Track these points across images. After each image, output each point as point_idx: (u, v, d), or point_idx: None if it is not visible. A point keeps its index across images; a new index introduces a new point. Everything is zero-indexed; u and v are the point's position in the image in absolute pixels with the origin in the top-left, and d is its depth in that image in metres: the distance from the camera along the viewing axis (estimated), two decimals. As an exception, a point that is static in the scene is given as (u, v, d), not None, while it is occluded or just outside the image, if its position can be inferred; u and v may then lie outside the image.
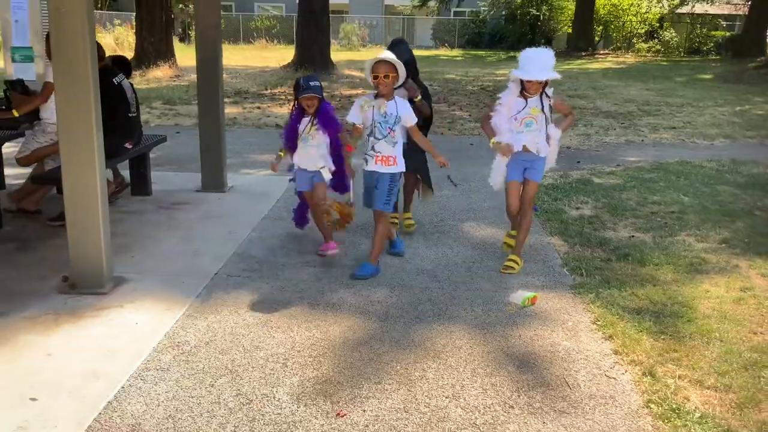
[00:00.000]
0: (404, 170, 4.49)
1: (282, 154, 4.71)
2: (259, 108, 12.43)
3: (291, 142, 4.67)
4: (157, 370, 3.19)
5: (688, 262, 4.80)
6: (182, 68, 18.22)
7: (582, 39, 29.43)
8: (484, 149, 9.08)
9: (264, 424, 2.79)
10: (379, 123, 4.30)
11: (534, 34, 32.65)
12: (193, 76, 17.07)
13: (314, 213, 4.81)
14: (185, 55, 20.71)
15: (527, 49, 4.40)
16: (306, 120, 4.55)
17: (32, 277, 4.28)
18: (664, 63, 26.00)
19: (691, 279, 4.50)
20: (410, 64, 4.72)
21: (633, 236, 5.37)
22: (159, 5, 17.84)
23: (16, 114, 5.17)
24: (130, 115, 5.52)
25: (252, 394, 3.01)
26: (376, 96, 4.33)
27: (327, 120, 4.56)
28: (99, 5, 28.84)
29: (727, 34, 32.66)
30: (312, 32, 18.82)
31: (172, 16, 22.58)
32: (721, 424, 2.88)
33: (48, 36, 5.54)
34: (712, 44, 32.30)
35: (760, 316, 3.96)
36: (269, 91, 15.00)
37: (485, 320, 3.85)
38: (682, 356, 3.45)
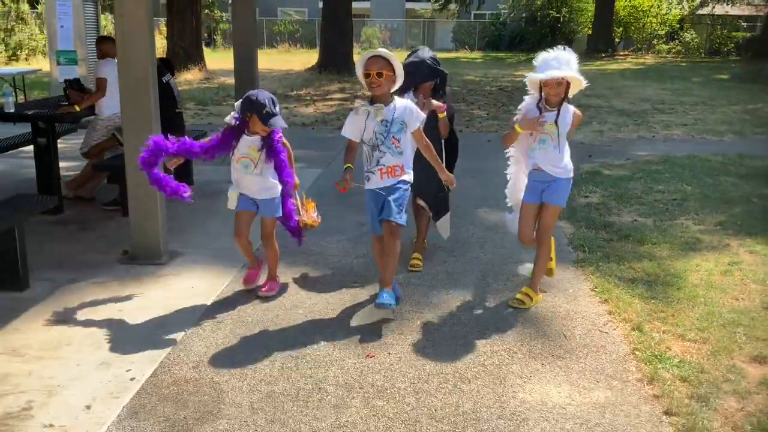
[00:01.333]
0: (411, 182, 3.78)
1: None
2: (286, 108, 13.02)
3: (212, 151, 3.94)
4: (214, 321, 3.75)
5: (684, 241, 5.25)
6: (210, 71, 18.92)
7: (601, 40, 29.68)
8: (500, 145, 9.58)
9: (305, 361, 3.34)
10: (380, 134, 3.62)
11: (554, 35, 32.91)
12: (222, 78, 17.78)
13: (265, 248, 4.22)
14: (211, 58, 21.45)
15: (543, 52, 3.89)
16: (251, 141, 3.90)
17: (95, 252, 4.87)
18: (683, 64, 26.20)
19: (684, 255, 4.96)
20: (438, 73, 4.37)
21: (635, 220, 5.83)
22: (190, 11, 18.55)
23: (77, 109, 5.78)
24: (176, 110, 6.11)
25: (294, 340, 3.56)
26: (372, 101, 3.68)
27: (276, 149, 3.97)
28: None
29: (748, 35, 32.69)
30: (335, 36, 19.44)
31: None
32: (696, 367, 3.36)
33: (99, 38, 6.18)
34: (732, 45, 32.35)
35: (743, 285, 4.42)
36: (294, 92, 15.58)
37: (495, 287, 4.35)
38: (668, 316, 3.93)
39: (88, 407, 2.92)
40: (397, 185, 3.67)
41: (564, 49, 3.83)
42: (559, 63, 3.72)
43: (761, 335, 3.71)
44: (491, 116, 12.18)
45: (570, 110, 3.88)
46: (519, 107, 4.02)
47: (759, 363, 3.43)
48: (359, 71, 3.65)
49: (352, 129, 3.70)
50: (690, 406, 3.01)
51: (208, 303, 4.01)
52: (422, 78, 4.32)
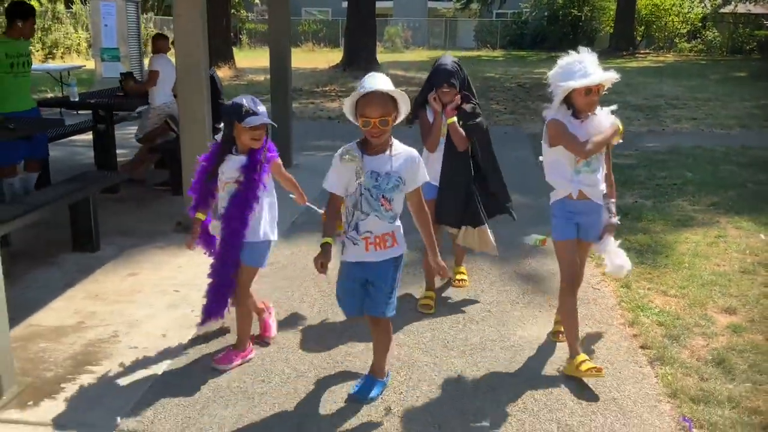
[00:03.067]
0: (405, 250, 3.02)
1: (201, 216, 3.27)
2: (312, 103, 13.69)
3: (203, 191, 3.27)
4: (259, 275, 4.38)
5: (678, 218, 5.79)
6: (239, 69, 19.68)
7: (623, 39, 29.96)
8: (517, 137, 10.14)
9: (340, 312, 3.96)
10: (368, 189, 2.78)
11: (576, 34, 33.24)
12: (251, 76, 18.47)
13: (237, 305, 3.37)
14: (238, 57, 22.22)
15: (562, 59, 3.21)
16: (240, 162, 3.17)
17: (152, 223, 5.54)
18: (703, 62, 26.42)
19: (676, 230, 5.50)
20: (464, 84, 3.87)
21: (636, 201, 6.37)
22: (221, 10, 19.31)
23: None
24: (219, 101, 6.77)
25: (330, 290, 4.18)
26: (363, 146, 2.80)
27: (254, 164, 3.18)
28: (155, 11, 30.69)
29: (770, 33, 32.72)
30: (359, 35, 20.10)
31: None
32: (672, 315, 3.93)
33: (154, 36, 6.87)
34: (754, 44, 32.42)
35: (726, 254, 4.96)
36: (320, 88, 16.25)
37: (503, 254, 4.91)
38: (654, 277, 4.49)
39: (164, 335, 3.59)
40: (389, 266, 2.89)
41: (587, 51, 3.21)
42: (585, 66, 3.12)
43: (734, 293, 4.26)
44: (509, 110, 12.72)
45: (609, 117, 3.29)
46: (546, 117, 3.27)
47: (728, 314, 3.99)
48: (350, 111, 2.78)
49: (336, 180, 2.83)
50: (663, 343, 3.59)
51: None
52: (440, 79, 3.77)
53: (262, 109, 3.14)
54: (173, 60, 5.42)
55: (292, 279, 4.43)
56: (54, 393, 3.04)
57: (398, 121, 2.80)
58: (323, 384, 3.19)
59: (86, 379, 3.16)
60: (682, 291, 4.27)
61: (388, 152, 2.80)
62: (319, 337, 3.66)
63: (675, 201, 6.38)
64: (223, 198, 3.23)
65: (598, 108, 3.26)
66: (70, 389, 3.08)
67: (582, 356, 3.23)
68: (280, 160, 3.35)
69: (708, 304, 4.11)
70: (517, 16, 36.74)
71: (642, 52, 31.17)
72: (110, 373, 3.22)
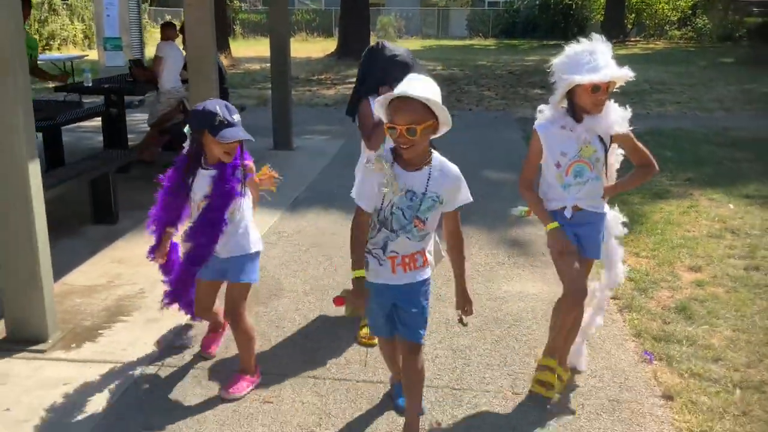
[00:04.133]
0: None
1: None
2: (309, 91, 14.06)
3: (173, 210, 2.95)
4: (268, 244, 4.79)
5: (655, 192, 6.22)
6: (235, 58, 20.00)
7: (613, 27, 30.31)
8: (506, 121, 10.55)
9: (344, 270, 4.37)
10: (400, 209, 2.43)
11: (567, 22, 33.58)
12: (247, 65, 18.74)
13: (234, 329, 2.99)
14: (233, 46, 22.50)
15: (570, 46, 2.76)
16: (209, 176, 2.80)
17: (164, 200, 5.93)
18: (692, 49, 26.86)
19: (653, 201, 5.93)
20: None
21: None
22: (217, 0, 19.62)
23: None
24: (224, 86, 7.15)
25: (335, 255, 4.60)
26: (397, 158, 2.41)
27: (225, 180, 2.79)
28: (149, 2, 30.89)
29: (760, 20, 33.14)
30: (353, 24, 20.44)
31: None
32: (642, 272, 4.35)
33: (162, 24, 7.24)
34: (744, 31, 32.84)
35: (696, 222, 5.39)
36: (316, 77, 16.60)
37: (492, 225, 5.36)
38: (629, 241, 4.90)
39: (185, 292, 3.98)
40: (419, 288, 2.55)
41: (600, 39, 2.75)
42: (596, 58, 2.67)
43: (701, 254, 4.69)
44: (500, 96, 13.12)
45: (616, 112, 2.81)
46: (539, 111, 2.93)
47: (694, 271, 4.42)
48: (379, 115, 2.42)
49: (364, 191, 2.44)
50: (632, 294, 4.02)
51: (264, 231, 5.06)
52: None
53: (237, 117, 2.73)
54: (181, 47, 5.79)
55: (299, 245, 4.85)
56: (93, 338, 3.45)
57: (439, 133, 2.40)
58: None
59: (121, 326, 3.58)
60: (653, 253, 4.70)
61: (427, 168, 2.42)
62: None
63: (653, 177, 6.79)
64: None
65: (608, 103, 2.77)
66: (108, 334, 3.49)
67: (567, 374, 3.06)
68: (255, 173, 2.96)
69: (676, 263, 4.54)
70: (509, 5, 37.06)
71: (632, 39, 31.55)
72: (141, 321, 3.63)
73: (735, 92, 13.47)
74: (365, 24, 20.86)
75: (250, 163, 2.89)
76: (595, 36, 2.75)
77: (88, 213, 5.29)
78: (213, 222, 2.80)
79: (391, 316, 2.60)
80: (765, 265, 4.50)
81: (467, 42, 32.09)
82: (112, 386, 3.03)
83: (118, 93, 6.64)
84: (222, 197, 2.78)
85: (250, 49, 23.52)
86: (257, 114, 10.06)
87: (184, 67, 6.79)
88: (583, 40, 2.75)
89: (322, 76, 16.71)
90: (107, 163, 5.22)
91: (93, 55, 15.06)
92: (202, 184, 2.80)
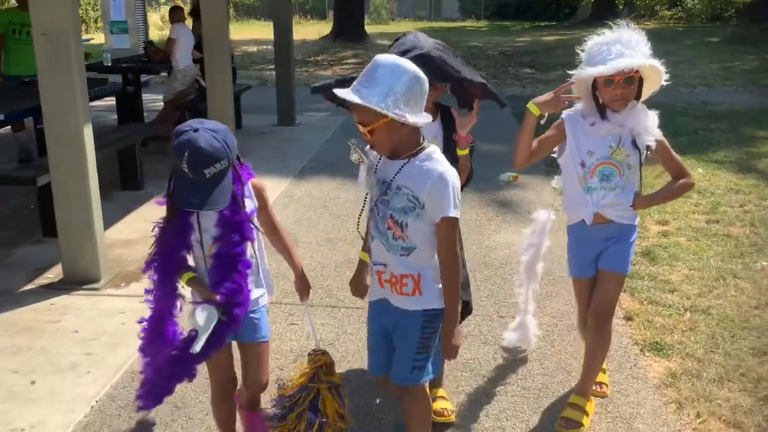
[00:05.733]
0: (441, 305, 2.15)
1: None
2: (307, 72, 14.55)
3: (175, 264, 2.23)
4: (282, 205, 5.35)
5: (632, 159, 6.77)
6: (232, 41, 20.37)
7: (605, 7, 30.70)
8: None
9: (350, 227, 4.92)
10: (377, 203, 2.14)
11: (558, 3, 33.98)
12: (244, 47, 19.07)
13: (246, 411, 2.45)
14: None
15: (594, 37, 2.54)
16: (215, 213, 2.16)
17: (182, 170, 6.46)
18: (680, 29, 27.35)
19: (629, 168, 6.48)
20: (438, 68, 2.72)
21: (598, 147, 7.35)
22: (212, -15, 19.98)
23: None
24: (232, 64, 7.64)
25: (344, 215, 5.16)
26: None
27: (235, 226, 2.20)
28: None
29: (748, 0, 33.59)
30: (348, 7, 20.85)
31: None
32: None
33: (171, 8, 7.73)
34: (733, 11, 33.29)
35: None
36: (312, 58, 17.06)
37: (484, 188, 5.90)
38: (605, 200, 5.48)
39: (213, 243, 4.54)
40: (422, 322, 2.13)
41: (627, 26, 2.51)
42: (623, 47, 2.43)
43: (668, 210, 5.26)
44: (491, 75, 13.63)
45: (652, 119, 2.65)
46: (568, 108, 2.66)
47: (661, 224, 5.00)
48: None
49: (361, 176, 2.33)
50: (604, 242, 4.58)
51: (277, 194, 5.61)
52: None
53: (209, 172, 2.01)
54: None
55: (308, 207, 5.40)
56: (138, 278, 4.00)
57: (414, 121, 1.97)
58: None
59: (160, 271, 4.12)
60: (626, 209, 5.26)
61: (406, 158, 2.05)
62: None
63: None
64: (202, 268, 2.23)
65: (639, 106, 2.57)
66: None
67: (592, 405, 2.75)
68: (266, 193, 2.36)
69: (646, 218, 5.10)
70: (501, -14, 37.32)
71: (622, 20, 31.92)
72: (177, 267, 4.18)
73: (717, 69, 14.01)
74: (359, 6, 21.28)
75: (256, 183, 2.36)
76: (621, 22, 2.50)
77: (113, 181, 5.81)
78: (235, 270, 2.20)
79: (386, 350, 2.22)
80: (725, 219, 5.07)
81: (460, 24, 32.45)
82: (159, 316, 3.58)
83: (136, 72, 7.13)
84: (232, 236, 2.19)
85: (245, 32, 23.89)
86: (259, 94, 10.56)
87: (195, 47, 7.30)
88: (615, 27, 2.49)
89: (319, 58, 17.16)
90: (133, 134, 5.73)
91: (99, 38, 15.50)
92: (209, 221, 2.19)
